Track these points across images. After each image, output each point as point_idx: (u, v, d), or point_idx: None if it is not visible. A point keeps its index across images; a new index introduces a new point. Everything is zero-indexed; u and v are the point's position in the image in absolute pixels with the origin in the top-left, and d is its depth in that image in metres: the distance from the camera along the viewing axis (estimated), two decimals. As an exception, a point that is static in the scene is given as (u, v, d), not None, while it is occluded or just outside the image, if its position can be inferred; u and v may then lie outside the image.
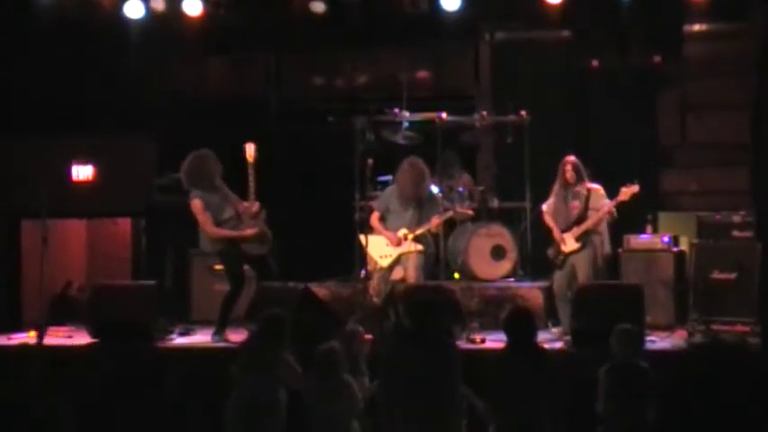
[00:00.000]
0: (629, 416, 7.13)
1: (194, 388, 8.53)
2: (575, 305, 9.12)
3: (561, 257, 9.65)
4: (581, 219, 9.61)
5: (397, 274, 10.06)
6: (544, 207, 9.86)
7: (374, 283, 9.99)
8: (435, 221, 10.02)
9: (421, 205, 10.08)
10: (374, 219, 10.16)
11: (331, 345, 7.44)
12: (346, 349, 7.52)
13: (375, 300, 9.80)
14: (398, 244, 9.98)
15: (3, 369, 9.02)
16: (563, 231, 9.64)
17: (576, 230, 9.58)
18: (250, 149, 9.58)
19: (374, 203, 10.33)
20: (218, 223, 9.54)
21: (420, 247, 10.01)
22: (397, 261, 10.02)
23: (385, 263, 10.02)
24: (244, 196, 9.63)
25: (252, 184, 9.55)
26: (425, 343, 6.88)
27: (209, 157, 9.60)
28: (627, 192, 9.52)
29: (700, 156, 11.81)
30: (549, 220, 9.78)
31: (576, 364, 8.15)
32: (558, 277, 9.69)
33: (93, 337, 9.50)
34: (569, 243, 9.60)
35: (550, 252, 9.73)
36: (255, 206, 9.61)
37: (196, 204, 9.51)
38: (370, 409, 7.42)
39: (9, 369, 8.93)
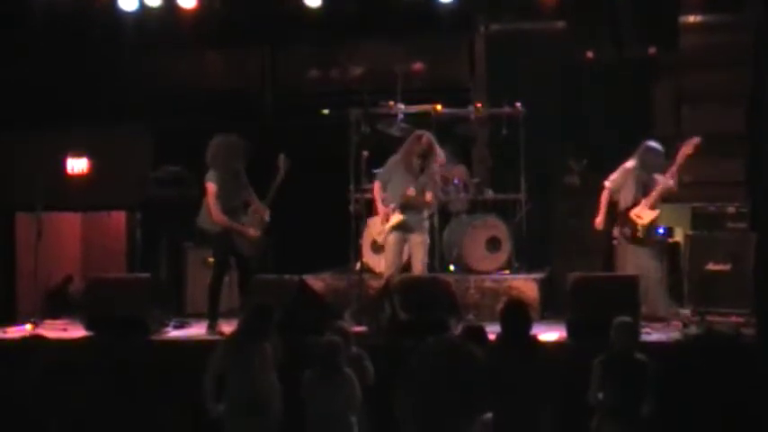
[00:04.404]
0: (623, 407, 7.13)
1: (189, 381, 8.52)
2: (570, 296, 9.11)
3: (643, 231, 9.50)
4: (646, 192, 9.52)
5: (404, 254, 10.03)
6: (607, 183, 9.74)
7: (388, 256, 9.95)
8: (429, 196, 9.95)
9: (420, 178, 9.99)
10: (376, 188, 10.13)
11: (333, 338, 7.43)
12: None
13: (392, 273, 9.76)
14: (386, 219, 9.95)
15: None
16: (628, 209, 9.54)
17: (646, 201, 9.45)
18: (283, 161, 9.65)
19: (377, 172, 10.29)
20: (226, 210, 9.55)
21: (400, 216, 9.91)
22: (404, 238, 9.93)
23: (382, 239, 10.02)
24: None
25: (272, 193, 9.64)
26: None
27: (238, 146, 9.61)
28: (690, 145, 9.49)
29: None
30: (608, 197, 9.66)
31: (573, 355, 8.16)
32: (645, 258, 9.55)
33: (88, 330, 9.50)
34: (645, 214, 9.49)
35: (624, 232, 9.56)
36: (266, 214, 9.69)
37: (210, 187, 9.52)
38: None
39: (8, 361, 8.93)
